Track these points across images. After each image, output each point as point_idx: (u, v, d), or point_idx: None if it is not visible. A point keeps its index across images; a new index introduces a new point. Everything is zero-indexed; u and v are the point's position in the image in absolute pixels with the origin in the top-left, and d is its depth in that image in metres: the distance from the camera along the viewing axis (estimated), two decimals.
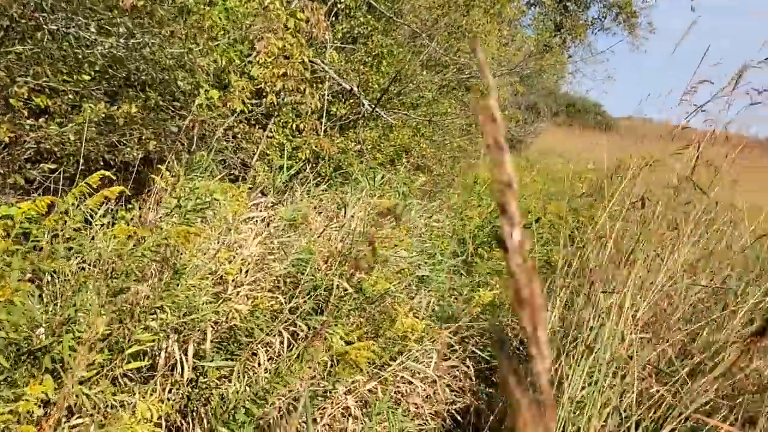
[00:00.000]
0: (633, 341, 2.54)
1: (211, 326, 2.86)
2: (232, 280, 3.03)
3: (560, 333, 2.80)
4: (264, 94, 5.75)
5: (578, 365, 2.35)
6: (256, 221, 3.43)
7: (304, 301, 3.00)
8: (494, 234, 4.16)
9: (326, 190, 5.64)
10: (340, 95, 6.74)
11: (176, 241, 2.06)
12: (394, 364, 2.54)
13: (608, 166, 8.82)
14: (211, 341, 2.74)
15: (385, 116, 5.51)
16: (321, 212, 4.44)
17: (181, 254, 2.31)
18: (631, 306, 2.62)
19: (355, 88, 5.41)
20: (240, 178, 5.95)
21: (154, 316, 2.34)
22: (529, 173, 9.09)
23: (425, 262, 3.40)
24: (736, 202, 3.57)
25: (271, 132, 6.28)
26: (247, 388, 2.48)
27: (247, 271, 3.11)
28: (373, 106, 5.30)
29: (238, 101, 5.03)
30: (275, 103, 6.02)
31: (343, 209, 3.69)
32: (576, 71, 18.77)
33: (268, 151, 6.26)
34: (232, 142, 6.03)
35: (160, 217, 2.42)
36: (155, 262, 2.33)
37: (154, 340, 2.46)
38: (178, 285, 2.33)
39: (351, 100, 6.71)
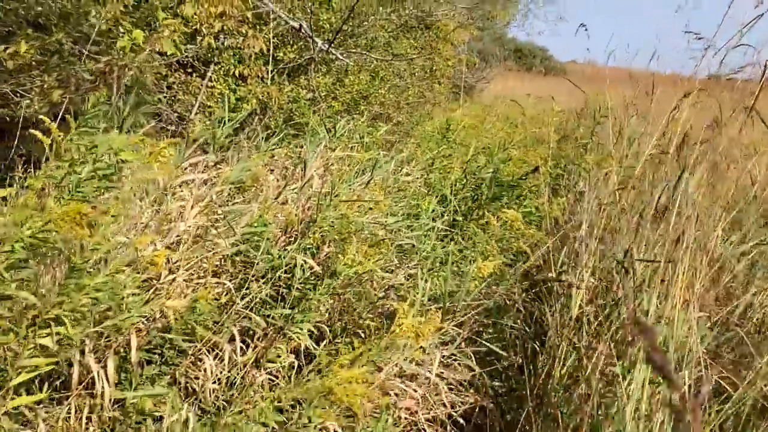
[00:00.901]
0: (692, 322, 1.93)
1: (140, 328, 2.15)
2: (165, 264, 2.32)
3: (591, 314, 2.18)
4: (201, 37, 4.92)
5: (638, 361, 1.72)
6: (196, 186, 2.70)
7: (260, 287, 2.31)
8: (479, 187, 3.51)
9: (279, 145, 4.89)
10: (287, 38, 5.93)
11: (64, 226, 1.34)
12: (385, 370, 1.89)
13: (575, 108, 8.22)
14: (139, 349, 2.03)
15: (341, 58, 4.75)
16: (273, 170, 3.71)
17: (82, 242, 1.58)
18: (684, 276, 2.01)
19: (305, 26, 4.63)
20: (178, 134, 5.13)
21: (48, 330, 1.62)
22: (491, 119, 8.46)
23: (408, 227, 2.73)
24: None
25: (212, 81, 5.47)
26: (190, 418, 1.80)
27: (186, 250, 2.39)
28: (327, 46, 4.53)
29: (168, 42, 4.20)
30: (214, 48, 5.20)
31: (302, 166, 2.97)
32: (527, 12, 18.05)
33: (209, 103, 5.46)
34: (167, 93, 5.20)
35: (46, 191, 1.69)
36: (45, 255, 1.60)
37: (57, 362, 1.75)
38: (80, 284, 1.61)
39: (300, 43, 5.90)
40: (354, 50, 5.16)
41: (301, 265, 2.27)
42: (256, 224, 2.37)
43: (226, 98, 5.27)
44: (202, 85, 5.27)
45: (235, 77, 5.50)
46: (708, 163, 2.34)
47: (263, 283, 2.33)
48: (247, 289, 2.32)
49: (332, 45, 4.64)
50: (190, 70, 5.35)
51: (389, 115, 6.67)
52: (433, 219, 3.31)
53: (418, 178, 4.22)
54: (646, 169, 2.77)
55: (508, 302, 2.70)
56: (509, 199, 3.32)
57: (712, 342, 2.10)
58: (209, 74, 5.29)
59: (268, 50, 5.37)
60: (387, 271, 2.57)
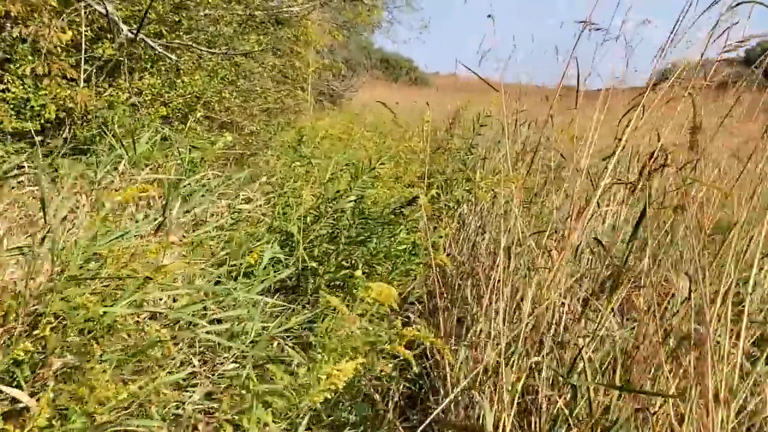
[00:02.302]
0: None
1: None
2: None
3: None
4: None
5: None
6: None
7: None
8: (338, 220, 2.46)
9: (76, 160, 3.61)
10: (108, 33, 4.63)
11: None
12: None
13: (446, 117, 7.44)
14: None
15: (160, 50, 3.56)
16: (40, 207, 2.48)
17: None
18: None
19: (111, 9, 3.40)
20: None
21: None
22: (359, 129, 7.49)
23: (228, 296, 1.63)
24: None
25: (2, 82, 4.10)
26: None
27: None
28: (135, 33, 3.33)
29: None
30: None
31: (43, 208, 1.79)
32: (392, 20, 17.24)
33: None
34: None
35: None
36: None
37: None
38: None
39: (123, 40, 4.62)
40: (179, 43, 3.97)
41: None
42: None
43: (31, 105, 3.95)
44: None
45: (33, 77, 4.16)
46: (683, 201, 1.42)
47: None
48: None
49: (143, 32, 3.43)
50: None
51: (239, 123, 5.52)
52: (272, 268, 2.24)
53: (261, 205, 3.13)
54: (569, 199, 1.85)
55: (379, 412, 1.67)
56: (380, 240, 2.32)
57: None
58: None
59: (80, 43, 4.10)
60: (177, 387, 1.46)
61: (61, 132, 4.32)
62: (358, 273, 2.04)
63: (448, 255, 2.45)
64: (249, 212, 3.02)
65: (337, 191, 2.55)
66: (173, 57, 3.72)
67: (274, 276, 2.12)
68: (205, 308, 1.59)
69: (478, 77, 1.95)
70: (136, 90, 4.42)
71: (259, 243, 2.17)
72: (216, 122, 5.46)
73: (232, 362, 1.60)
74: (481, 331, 1.60)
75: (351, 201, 2.35)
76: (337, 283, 2.28)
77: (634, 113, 1.43)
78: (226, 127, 5.59)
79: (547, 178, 2.68)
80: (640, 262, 1.44)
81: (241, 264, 1.98)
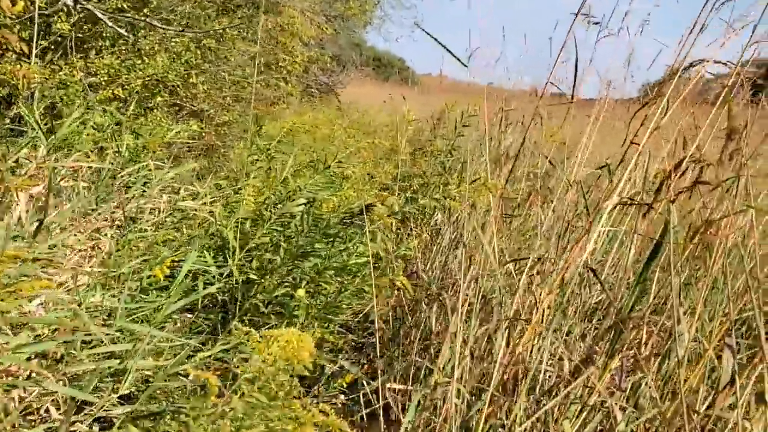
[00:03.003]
0: None
1: None
2: None
3: None
4: None
5: None
6: None
7: None
8: (286, 227, 2.08)
9: (10, 142, 3.20)
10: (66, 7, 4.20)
11: None
12: None
13: (431, 116, 7.06)
14: None
15: (106, 21, 3.15)
16: None
17: None
18: None
19: None
20: None
21: None
22: (340, 124, 7.14)
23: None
24: None
25: None
26: None
27: None
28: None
29: None
30: None
31: None
32: (384, 17, 16.69)
33: None
34: None
35: None
36: None
37: None
38: None
39: (83, 14, 4.20)
40: (131, 17, 3.54)
41: None
42: None
43: None
44: None
45: None
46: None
47: None
48: None
49: (93, 4, 3.02)
50: None
51: (209, 113, 5.11)
52: (206, 282, 1.86)
53: (211, 201, 2.73)
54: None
55: None
56: (329, 253, 1.93)
57: None
58: None
59: (31, 15, 3.69)
60: None
61: (8, 111, 3.91)
62: (301, 293, 1.67)
63: (412, 273, 2.08)
64: (195, 210, 2.63)
65: (289, 192, 2.16)
66: (124, 32, 3.31)
67: (202, 290, 1.73)
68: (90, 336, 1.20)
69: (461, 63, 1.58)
70: (94, 69, 4.01)
71: (179, 251, 1.78)
72: (185, 110, 5.05)
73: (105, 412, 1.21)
74: (436, 383, 1.23)
75: (301, 205, 1.96)
76: (278, 300, 1.90)
77: (648, 110, 1.07)
78: (198, 116, 5.18)
79: (532, 188, 2.32)
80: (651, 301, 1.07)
81: (149, 277, 1.59)
